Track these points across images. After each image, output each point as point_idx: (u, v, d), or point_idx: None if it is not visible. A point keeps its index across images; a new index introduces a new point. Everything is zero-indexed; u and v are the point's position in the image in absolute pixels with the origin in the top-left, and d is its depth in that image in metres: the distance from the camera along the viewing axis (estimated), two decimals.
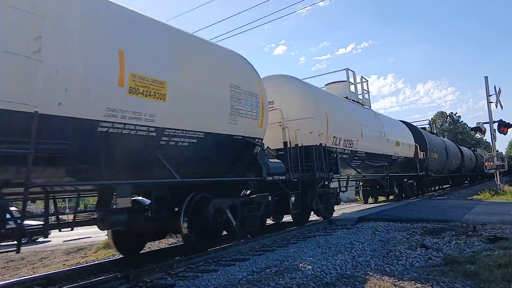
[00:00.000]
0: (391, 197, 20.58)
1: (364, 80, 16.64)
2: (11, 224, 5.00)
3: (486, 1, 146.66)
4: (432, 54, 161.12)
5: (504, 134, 22.85)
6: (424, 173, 20.76)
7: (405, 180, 19.52)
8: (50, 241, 16.57)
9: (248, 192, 9.45)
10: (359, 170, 14.71)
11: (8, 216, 4.98)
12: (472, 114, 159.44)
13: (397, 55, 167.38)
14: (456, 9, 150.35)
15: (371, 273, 5.33)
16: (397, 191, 18.83)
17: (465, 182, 36.88)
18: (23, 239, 16.59)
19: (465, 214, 11.08)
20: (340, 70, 15.98)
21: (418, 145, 20.57)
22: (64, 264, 9.42)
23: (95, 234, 17.40)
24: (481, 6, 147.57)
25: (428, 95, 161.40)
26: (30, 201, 7.93)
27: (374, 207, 16.14)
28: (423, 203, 16.41)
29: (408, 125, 22.12)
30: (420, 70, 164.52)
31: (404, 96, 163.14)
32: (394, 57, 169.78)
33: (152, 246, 10.10)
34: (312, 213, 11.46)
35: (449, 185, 31.52)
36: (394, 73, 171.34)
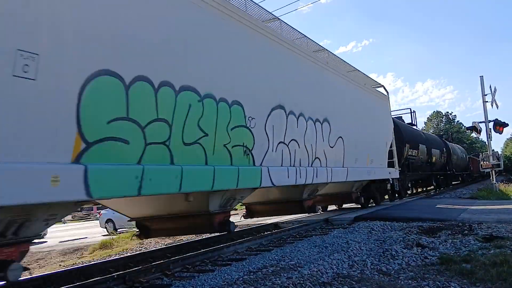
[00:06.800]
0: None
1: None
2: None
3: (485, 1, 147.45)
4: (431, 52, 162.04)
5: (500, 134, 22.97)
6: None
7: None
8: (46, 241, 16.50)
9: None
10: None
11: None
12: (470, 113, 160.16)
13: (396, 53, 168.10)
14: (457, 8, 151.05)
15: (367, 273, 5.34)
16: None
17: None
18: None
19: (461, 213, 11.12)
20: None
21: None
22: (60, 265, 9.39)
23: (91, 235, 17.36)
24: (481, 6, 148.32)
25: (426, 94, 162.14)
26: None
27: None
28: (419, 202, 16.47)
29: None
30: (419, 69, 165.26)
31: (403, 95, 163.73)
32: (394, 55, 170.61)
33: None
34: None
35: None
36: (394, 72, 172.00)
